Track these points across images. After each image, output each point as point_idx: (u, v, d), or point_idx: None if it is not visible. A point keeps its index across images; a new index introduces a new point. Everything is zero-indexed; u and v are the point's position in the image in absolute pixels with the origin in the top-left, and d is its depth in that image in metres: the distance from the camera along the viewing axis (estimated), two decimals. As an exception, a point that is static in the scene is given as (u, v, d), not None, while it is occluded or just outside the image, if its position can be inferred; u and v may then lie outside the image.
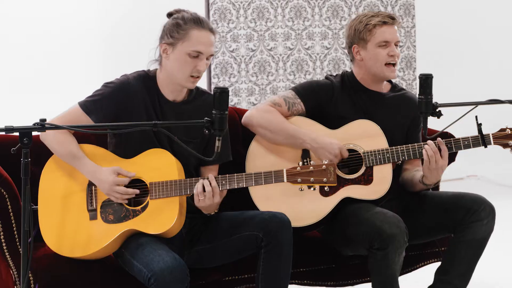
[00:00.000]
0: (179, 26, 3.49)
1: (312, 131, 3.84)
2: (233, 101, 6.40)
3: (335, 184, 3.46)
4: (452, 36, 7.44)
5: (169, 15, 3.59)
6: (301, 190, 3.76)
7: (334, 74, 4.07)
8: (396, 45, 3.92)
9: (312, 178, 3.44)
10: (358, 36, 3.93)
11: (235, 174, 3.48)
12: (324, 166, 3.43)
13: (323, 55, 6.62)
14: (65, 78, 6.24)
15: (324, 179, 3.44)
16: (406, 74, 6.80)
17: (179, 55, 3.48)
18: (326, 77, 4.03)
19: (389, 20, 3.90)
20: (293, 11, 6.53)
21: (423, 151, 3.74)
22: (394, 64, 3.91)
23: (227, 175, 3.47)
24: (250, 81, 6.46)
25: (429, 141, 3.76)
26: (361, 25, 3.92)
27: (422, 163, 3.82)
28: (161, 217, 3.43)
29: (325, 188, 3.77)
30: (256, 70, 6.47)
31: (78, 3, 6.31)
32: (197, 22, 3.49)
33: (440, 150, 3.73)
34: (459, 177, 7.42)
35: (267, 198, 3.79)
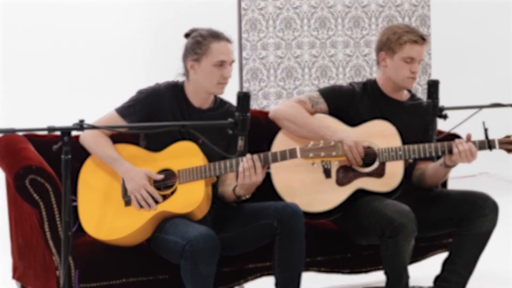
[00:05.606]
0: (199, 43, 3.55)
1: (332, 127, 3.84)
2: (262, 103, 6.41)
3: (343, 158, 3.50)
4: (465, 44, 7.38)
5: (187, 35, 3.65)
6: (313, 165, 3.79)
7: (357, 82, 4.06)
8: (418, 62, 3.87)
9: (322, 153, 3.47)
10: (388, 45, 3.88)
11: (255, 154, 3.47)
12: (333, 142, 3.47)
13: (346, 62, 6.60)
14: (114, 83, 6.27)
15: (334, 153, 3.46)
16: (421, 79, 6.75)
17: (206, 68, 3.54)
18: (350, 83, 4.02)
19: (420, 40, 3.84)
20: (318, 21, 6.51)
21: (454, 148, 3.71)
22: (414, 78, 3.89)
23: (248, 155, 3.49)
24: (278, 85, 6.46)
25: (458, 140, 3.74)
26: (394, 36, 3.86)
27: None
28: (189, 198, 3.46)
29: (335, 163, 3.80)
30: (283, 76, 6.47)
31: (124, 17, 6.35)
32: (214, 35, 3.55)
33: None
34: (471, 174, 7.34)
35: (288, 186, 3.82)
